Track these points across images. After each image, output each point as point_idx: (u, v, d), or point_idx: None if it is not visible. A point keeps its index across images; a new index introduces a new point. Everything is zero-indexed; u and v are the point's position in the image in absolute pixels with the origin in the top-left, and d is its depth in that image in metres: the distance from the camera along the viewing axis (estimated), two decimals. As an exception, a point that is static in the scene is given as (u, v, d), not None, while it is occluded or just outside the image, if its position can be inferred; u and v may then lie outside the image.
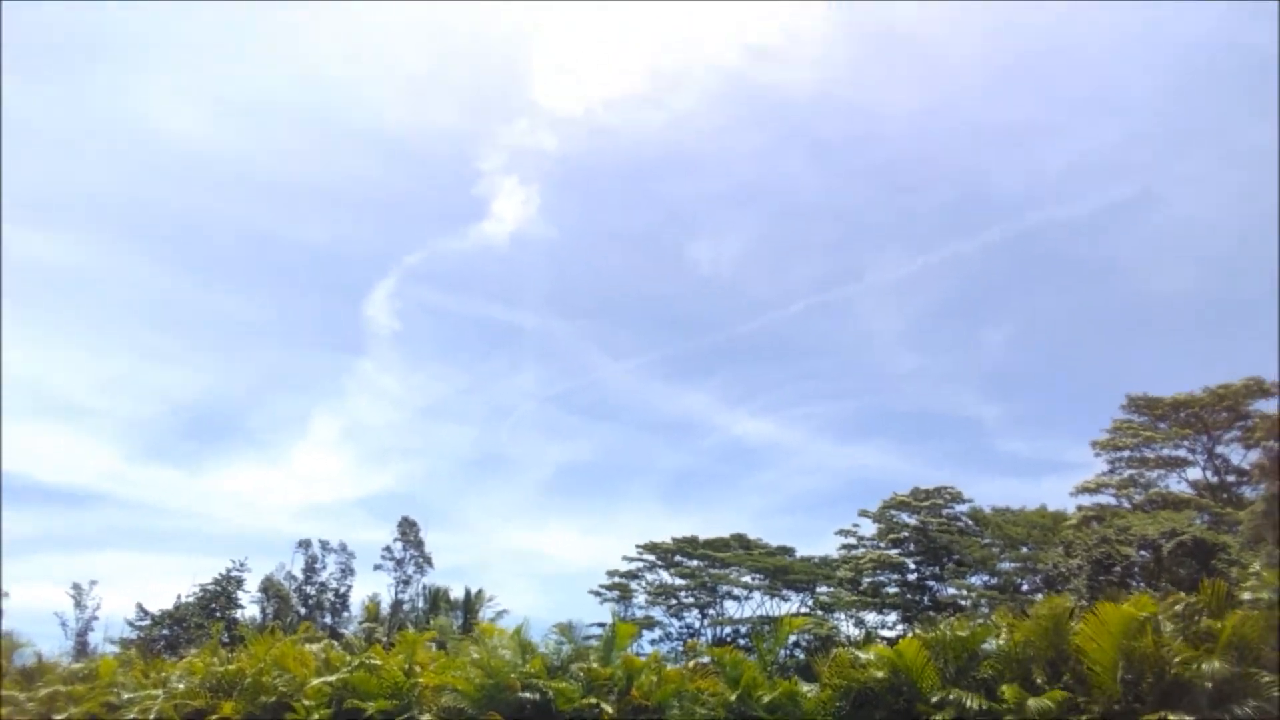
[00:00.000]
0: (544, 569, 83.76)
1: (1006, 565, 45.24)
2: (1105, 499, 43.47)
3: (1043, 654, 15.38)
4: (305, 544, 49.88)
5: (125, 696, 22.53)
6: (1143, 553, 31.65)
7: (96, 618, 47.90)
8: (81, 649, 45.11)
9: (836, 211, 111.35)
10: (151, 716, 20.85)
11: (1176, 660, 13.39)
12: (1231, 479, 43.78)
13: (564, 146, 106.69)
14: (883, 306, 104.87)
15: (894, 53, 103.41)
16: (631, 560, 56.37)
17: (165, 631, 44.17)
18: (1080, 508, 42.38)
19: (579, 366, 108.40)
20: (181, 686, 21.94)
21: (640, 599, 55.92)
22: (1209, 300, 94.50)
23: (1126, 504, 42.42)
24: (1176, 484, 44.27)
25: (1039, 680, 14.77)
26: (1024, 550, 44.08)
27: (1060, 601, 16.22)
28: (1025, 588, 43.42)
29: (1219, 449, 44.27)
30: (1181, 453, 44.75)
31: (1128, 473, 44.69)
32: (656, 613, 55.28)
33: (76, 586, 47.90)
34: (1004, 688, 14.36)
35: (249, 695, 20.34)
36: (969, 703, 14.44)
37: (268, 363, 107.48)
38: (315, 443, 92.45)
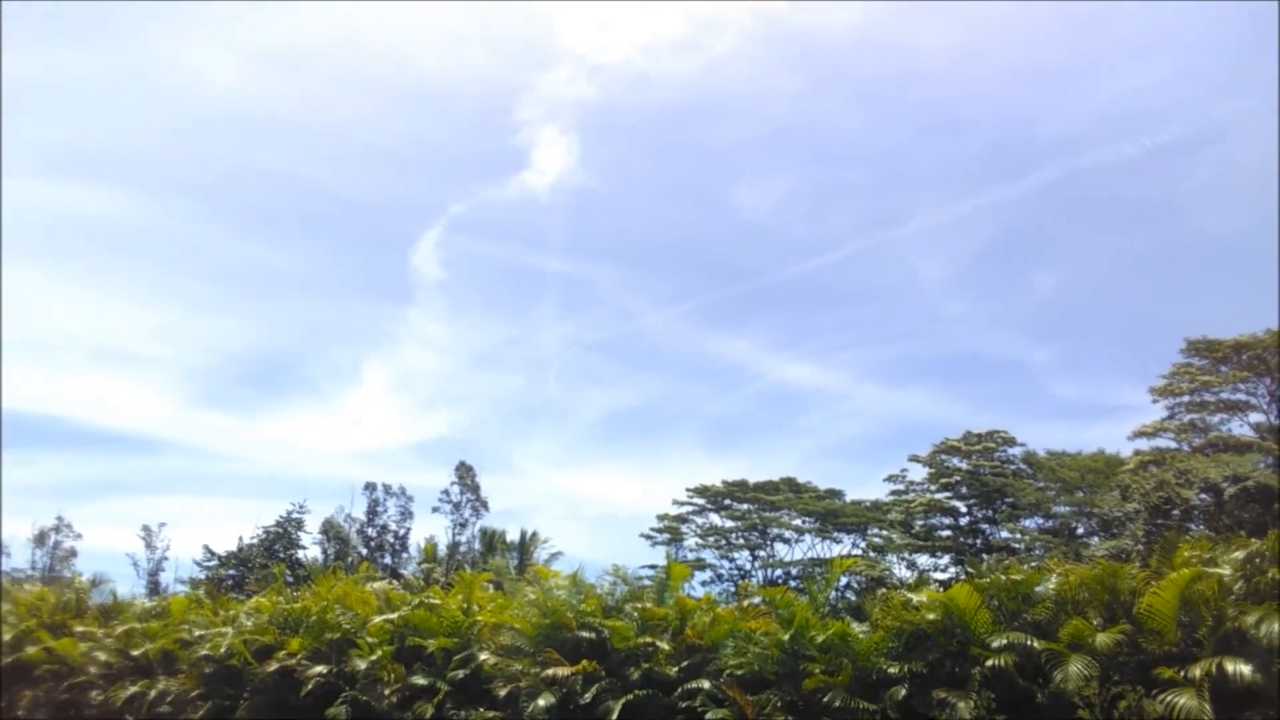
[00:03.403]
0: (593, 511, 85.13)
1: (1062, 509, 44.79)
2: (1164, 443, 42.66)
3: (1098, 597, 15.28)
4: (371, 487, 51.07)
5: (197, 633, 23.40)
6: (1203, 496, 31.15)
7: (166, 559, 50.05)
8: (154, 588, 47.00)
9: (879, 154, 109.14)
10: (223, 651, 21.69)
11: (1236, 612, 13.19)
12: (1296, 422, 42.66)
13: (602, 94, 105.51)
14: (928, 250, 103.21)
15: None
16: (681, 504, 56.86)
17: (231, 572, 45.70)
18: (1138, 452, 41.67)
19: (622, 314, 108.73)
20: (250, 624, 22.71)
21: (691, 541, 56.53)
22: (1265, 240, 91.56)
23: (1186, 448, 41.57)
24: (1239, 428, 43.29)
25: (1095, 623, 14.69)
26: (1079, 494, 43.55)
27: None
28: (1081, 531, 43.04)
29: (1283, 391, 43.09)
30: (1242, 396, 43.66)
31: (1188, 417, 43.70)
32: (707, 555, 55.90)
33: (146, 529, 49.97)
34: (1065, 626, 14.29)
35: (314, 632, 20.98)
36: (1030, 643, 14.41)
37: (319, 313, 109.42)
38: (368, 390, 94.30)
